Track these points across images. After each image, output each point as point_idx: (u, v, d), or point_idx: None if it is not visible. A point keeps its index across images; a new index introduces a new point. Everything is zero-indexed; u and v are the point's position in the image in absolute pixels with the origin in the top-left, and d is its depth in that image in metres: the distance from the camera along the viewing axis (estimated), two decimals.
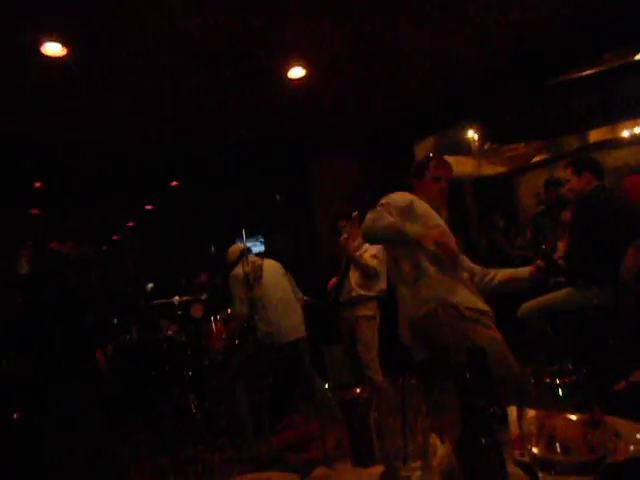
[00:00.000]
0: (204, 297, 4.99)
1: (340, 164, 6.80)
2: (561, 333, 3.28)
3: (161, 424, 4.24)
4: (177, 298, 4.76)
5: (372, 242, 2.96)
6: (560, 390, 0.66)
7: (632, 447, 0.93)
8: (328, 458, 0.96)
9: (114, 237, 11.11)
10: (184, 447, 3.92)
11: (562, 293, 3.34)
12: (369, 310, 4.02)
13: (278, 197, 8.59)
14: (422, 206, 2.44)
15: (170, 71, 4.16)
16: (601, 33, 4.33)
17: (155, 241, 10.05)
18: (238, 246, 4.20)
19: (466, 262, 2.57)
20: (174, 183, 8.10)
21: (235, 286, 3.94)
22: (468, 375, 0.72)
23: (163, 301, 5.17)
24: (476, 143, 8.20)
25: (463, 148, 8.35)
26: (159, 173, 7.20)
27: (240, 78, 4.47)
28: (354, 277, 4.05)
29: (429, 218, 2.41)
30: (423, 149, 6.74)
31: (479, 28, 4.21)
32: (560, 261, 3.00)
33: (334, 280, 4.21)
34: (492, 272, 2.54)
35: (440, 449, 0.95)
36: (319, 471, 0.90)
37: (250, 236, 9.01)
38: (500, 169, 9.32)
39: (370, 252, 4.03)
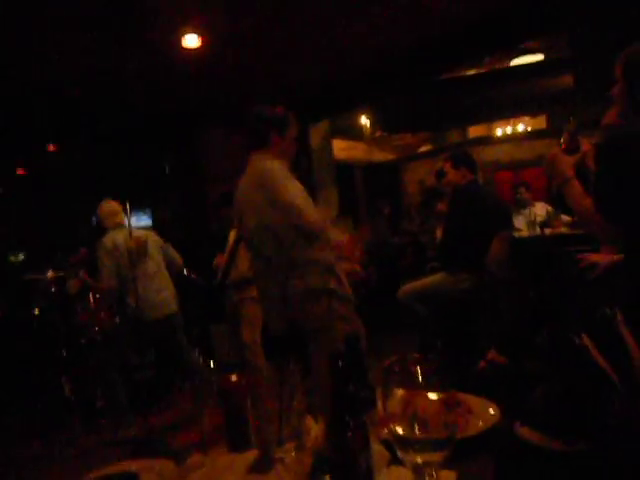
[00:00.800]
0: (82, 273, 4.67)
1: (232, 139, 6.67)
2: (434, 314, 3.54)
3: (32, 407, 3.95)
4: (51, 273, 4.41)
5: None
6: (421, 376, 0.72)
7: (481, 423, 1.04)
8: (204, 442, 0.96)
9: None
10: (57, 430, 3.71)
11: (436, 277, 3.61)
12: (255, 292, 4.04)
13: (167, 168, 8.23)
14: (286, 172, 2.28)
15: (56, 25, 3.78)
16: (485, 38, 4.66)
17: (28, 210, 9.17)
18: (113, 206, 3.96)
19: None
20: (51, 147, 7.43)
21: (105, 255, 3.75)
22: (340, 361, 0.76)
23: (35, 276, 4.76)
24: (368, 130, 8.48)
25: (356, 134, 8.59)
26: (34, 135, 6.56)
27: (131, 40, 4.19)
28: (244, 258, 4.03)
29: (298, 187, 2.24)
30: (317, 132, 6.84)
31: (380, 18, 4.33)
32: None
33: (221, 258, 4.14)
34: None
35: (314, 429, 0.99)
36: (194, 458, 0.91)
37: (135, 208, 8.56)
38: (389, 156, 9.75)
39: None
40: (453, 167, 3.47)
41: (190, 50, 4.46)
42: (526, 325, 1.72)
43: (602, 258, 1.94)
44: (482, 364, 1.68)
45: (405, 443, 0.72)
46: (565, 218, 4.09)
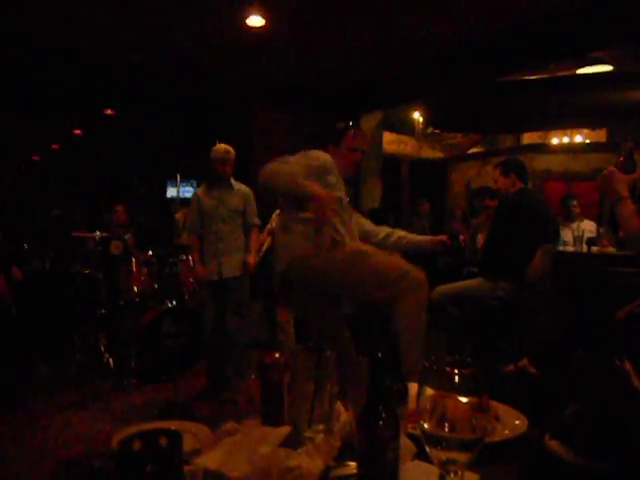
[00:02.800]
0: (127, 236, 4.83)
1: (285, 121, 6.72)
2: (467, 318, 3.52)
3: (67, 360, 4.14)
4: (98, 233, 4.58)
5: (268, 192, 2.55)
6: (456, 378, 0.75)
7: (507, 431, 1.06)
8: (239, 413, 1.01)
9: (33, 157, 10.41)
10: (89, 384, 3.87)
11: (473, 282, 3.57)
12: None
13: (217, 143, 8.36)
14: (335, 173, 2.40)
15: None
16: (552, 43, 4.52)
17: (82, 170, 9.53)
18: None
19: (367, 226, 2.72)
20: (108, 111, 7.66)
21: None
22: (379, 355, 0.79)
23: (82, 234, 4.96)
24: (420, 126, 8.38)
25: (407, 128, 8.51)
26: (93, 98, 6.78)
27: (197, 15, 4.27)
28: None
29: (337, 187, 2.36)
30: (368, 122, 6.81)
31: (443, 12, 4.26)
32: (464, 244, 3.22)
33: (262, 237, 4.22)
34: (386, 231, 2.71)
35: (343, 415, 1.03)
36: (229, 426, 0.96)
37: (184, 179, 8.76)
38: (438, 154, 9.62)
39: None
40: (503, 174, 3.41)
41: (254, 29, 4.52)
42: (563, 342, 1.70)
43: None
44: (511, 368, 1.68)
45: (434, 440, 0.75)
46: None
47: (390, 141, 8.34)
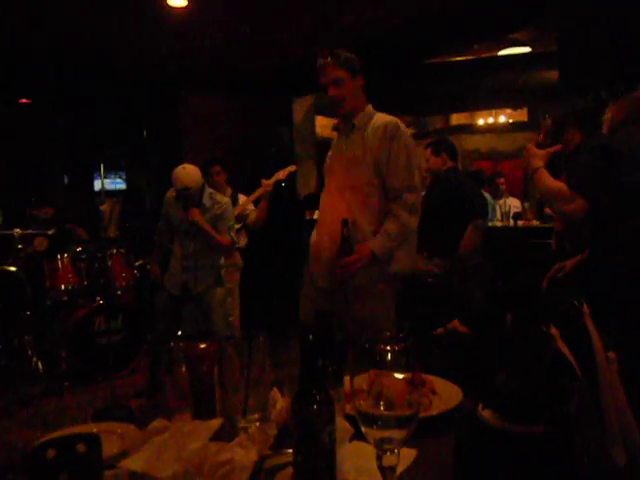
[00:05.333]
0: (51, 232, 4.56)
1: (215, 105, 6.54)
2: (401, 295, 3.58)
3: None
4: (18, 230, 4.29)
5: None
6: (389, 355, 0.73)
7: (444, 404, 1.07)
8: (169, 409, 0.96)
9: None
10: (16, 390, 3.65)
11: None
12: (239, 259, 3.97)
13: (145, 133, 8.03)
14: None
15: None
16: (475, 24, 4.64)
17: None
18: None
19: None
20: (24, 100, 7.15)
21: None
22: (311, 336, 0.76)
23: (1, 232, 4.64)
24: None
25: None
26: (6, 87, 6.30)
27: None
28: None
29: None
30: (301, 106, 6.75)
31: None
32: None
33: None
34: None
35: (279, 402, 1.00)
36: (157, 423, 0.90)
37: (111, 171, 8.38)
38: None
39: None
40: (434, 153, 3.50)
41: (175, 9, 4.33)
42: (493, 304, 1.78)
43: (570, 262, 2.02)
44: (441, 330, 1.74)
45: (369, 419, 0.73)
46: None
47: (324, 125, 8.30)
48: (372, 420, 0.72)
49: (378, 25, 4.87)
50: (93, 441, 0.68)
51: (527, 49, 6.22)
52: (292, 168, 3.98)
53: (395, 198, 2.06)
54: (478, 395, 0.78)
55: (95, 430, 0.90)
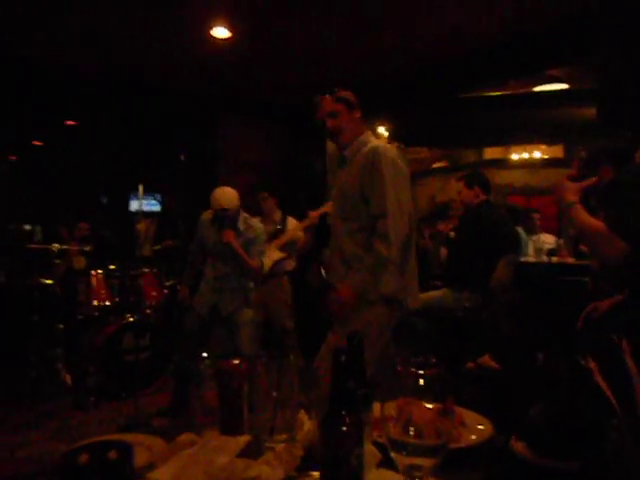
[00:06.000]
0: (88, 248, 4.69)
1: (253, 134, 6.70)
2: (432, 329, 3.53)
3: (21, 377, 3.96)
4: (56, 245, 4.42)
5: None
6: (422, 380, 0.73)
7: (473, 436, 1.04)
8: (195, 425, 0.97)
9: None
10: (45, 403, 3.72)
11: (438, 293, 3.60)
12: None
13: (183, 157, 8.25)
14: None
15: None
16: (511, 60, 4.66)
17: (40, 182, 9.23)
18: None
19: None
20: (70, 122, 7.47)
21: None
22: (343, 357, 0.76)
23: (40, 246, 4.79)
24: (385, 140, 8.47)
25: None
26: (54, 108, 6.59)
27: (161, 24, 4.22)
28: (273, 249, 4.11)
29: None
30: None
31: (405, 31, 4.35)
32: None
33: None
34: None
35: (307, 424, 1.00)
36: (185, 437, 0.91)
37: (147, 192, 8.61)
38: (404, 170, 9.71)
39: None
40: (467, 186, 3.48)
41: (219, 40, 4.50)
42: (524, 340, 1.73)
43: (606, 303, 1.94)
44: (471, 365, 1.70)
45: (399, 446, 0.72)
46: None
47: None
48: (402, 447, 0.72)
49: (414, 58, 4.95)
50: (125, 449, 0.69)
51: (564, 86, 6.19)
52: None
53: (372, 226, 2.07)
54: (510, 428, 0.77)
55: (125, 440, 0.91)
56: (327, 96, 2.23)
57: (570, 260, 3.80)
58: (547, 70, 5.53)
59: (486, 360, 1.61)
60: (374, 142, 2.22)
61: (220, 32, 4.39)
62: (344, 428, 0.73)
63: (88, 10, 3.95)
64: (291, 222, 4.30)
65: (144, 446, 0.91)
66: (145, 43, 4.61)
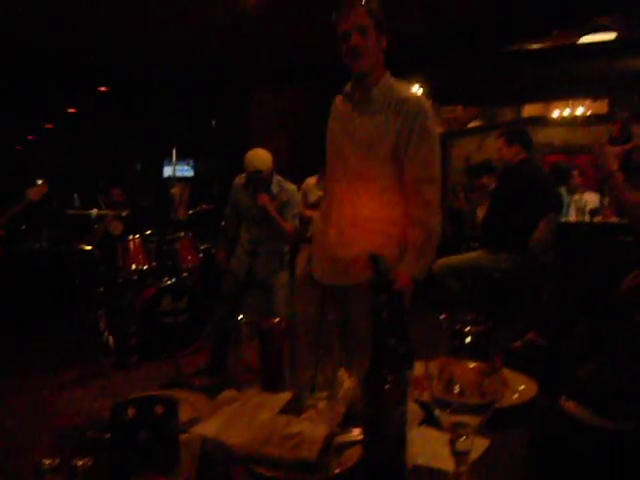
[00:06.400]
0: (125, 213, 4.78)
1: (282, 97, 6.61)
2: (469, 291, 3.49)
3: (67, 337, 4.13)
4: (95, 211, 4.52)
5: None
6: (469, 337, 0.70)
7: (515, 396, 1.02)
8: (236, 382, 0.98)
9: (29, 137, 10.29)
10: (89, 362, 3.86)
11: (474, 254, 3.54)
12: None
13: (214, 122, 8.24)
14: None
15: None
16: (557, 7, 4.40)
17: (75, 147, 9.41)
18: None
19: None
20: (103, 88, 7.53)
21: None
22: (384, 315, 0.74)
23: (79, 212, 4.90)
24: None
25: None
26: (87, 75, 6.64)
27: None
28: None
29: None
30: None
31: None
32: None
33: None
34: None
35: (347, 382, 0.99)
36: (227, 393, 0.92)
37: (180, 158, 8.67)
38: (438, 129, 9.46)
39: None
40: (507, 143, 3.35)
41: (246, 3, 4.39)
42: (569, 311, 1.66)
43: None
44: (518, 343, 1.65)
45: (443, 404, 0.71)
46: None
47: None
48: (446, 405, 0.70)
49: (450, 11, 4.72)
50: (171, 404, 0.70)
51: (612, 35, 5.82)
52: None
53: (412, 192, 1.76)
54: (558, 389, 0.74)
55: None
56: (359, 4, 1.76)
57: (614, 219, 3.65)
58: (597, 17, 5.20)
59: (532, 337, 1.56)
60: (403, 89, 1.84)
61: None
62: (386, 386, 0.72)
63: None
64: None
65: (188, 402, 0.93)
66: (175, 12, 4.55)
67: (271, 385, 0.91)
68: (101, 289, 4.37)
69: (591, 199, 4.54)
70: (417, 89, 8.13)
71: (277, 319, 0.93)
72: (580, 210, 4.08)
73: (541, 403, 0.93)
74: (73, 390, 3.42)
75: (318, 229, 1.94)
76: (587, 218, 3.88)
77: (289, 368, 0.95)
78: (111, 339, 4.19)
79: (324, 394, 0.88)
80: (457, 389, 0.72)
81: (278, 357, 0.92)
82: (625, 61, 6.18)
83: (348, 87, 1.87)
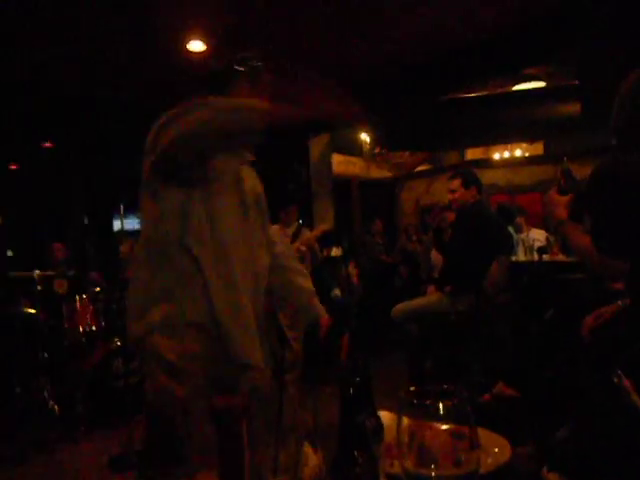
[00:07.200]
0: (71, 273, 4.57)
1: None
2: (427, 334, 3.48)
3: (6, 408, 3.82)
4: (38, 272, 4.30)
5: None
6: (441, 410, 0.66)
7: (489, 460, 0.97)
8: (191, 466, 0.89)
9: None
10: (32, 435, 3.58)
11: (432, 297, 3.55)
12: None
13: None
14: None
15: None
16: (489, 60, 4.66)
17: (18, 206, 9.03)
18: None
19: None
20: (46, 144, 7.34)
21: None
22: (351, 390, 0.69)
23: (21, 274, 4.66)
24: (367, 146, 8.47)
25: (355, 149, 8.58)
26: (30, 131, 6.47)
27: (136, 42, 4.15)
28: None
29: None
30: (317, 145, 6.81)
31: (385, 36, 4.33)
32: None
33: None
34: None
35: (312, 458, 0.92)
36: None
37: (129, 212, 8.46)
38: (386, 174, 9.73)
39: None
40: (463, 185, 3.40)
41: (194, 53, 4.43)
42: (532, 356, 1.64)
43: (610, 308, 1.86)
44: (487, 397, 1.60)
45: None
46: None
47: (339, 162, 8.37)
48: None
49: (395, 61, 4.92)
50: None
51: (542, 84, 6.23)
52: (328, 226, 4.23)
53: None
54: (537, 452, 0.70)
55: None
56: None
57: (561, 257, 3.76)
58: (524, 69, 5.56)
59: (499, 389, 1.53)
60: None
61: (195, 45, 4.33)
62: (357, 470, 0.66)
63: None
64: (305, 234, 4.20)
65: None
66: (124, 61, 4.53)
67: (229, 474, 0.83)
68: (45, 354, 4.10)
69: (538, 236, 4.69)
70: (365, 137, 8.39)
71: (235, 396, 0.86)
72: (528, 248, 4.20)
73: (518, 467, 0.88)
74: (14, 467, 3.16)
75: None
76: (536, 256, 3.98)
77: (248, 447, 0.87)
78: (56, 408, 3.92)
79: (287, 477, 0.81)
80: (428, 459, 0.67)
81: (237, 440, 0.84)
82: (555, 106, 6.58)
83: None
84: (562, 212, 1.69)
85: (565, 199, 1.72)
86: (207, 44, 4.31)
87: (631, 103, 1.46)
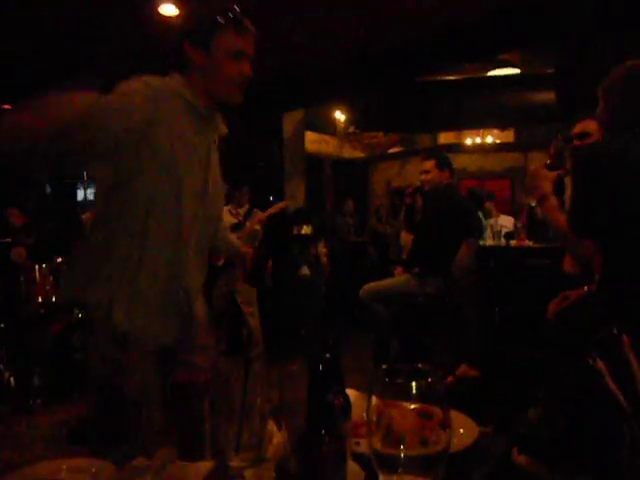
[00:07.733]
0: (30, 241, 4.39)
1: None
2: (395, 315, 3.49)
3: None
4: None
5: None
6: (413, 389, 0.64)
7: (455, 440, 0.96)
8: (149, 444, 0.85)
9: None
10: None
11: (400, 279, 3.56)
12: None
13: None
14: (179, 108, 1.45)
15: None
16: (465, 44, 4.64)
17: None
18: None
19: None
20: (6, 106, 7.00)
21: None
22: (321, 365, 0.66)
23: None
24: (342, 125, 8.40)
25: (329, 127, 8.50)
26: None
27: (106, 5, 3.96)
28: None
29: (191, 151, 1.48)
30: (291, 121, 6.70)
31: (364, 15, 4.25)
32: None
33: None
34: None
35: (276, 436, 0.89)
36: (137, 462, 0.79)
37: (93, 180, 8.20)
38: (359, 154, 9.71)
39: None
40: (437, 167, 3.40)
41: (166, 17, 4.26)
42: (496, 338, 1.66)
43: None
44: (451, 378, 1.61)
45: (389, 462, 0.63)
46: None
47: (312, 140, 8.29)
48: (393, 463, 0.62)
49: (371, 43, 4.86)
50: None
51: (517, 70, 6.27)
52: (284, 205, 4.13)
53: None
54: (509, 436, 0.68)
55: (64, 467, 0.78)
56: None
57: (528, 243, 3.83)
58: (499, 54, 5.57)
59: (463, 370, 1.54)
60: None
61: (168, 9, 4.15)
62: (324, 449, 0.63)
63: None
64: (257, 214, 4.16)
65: (90, 473, 0.79)
66: (92, 23, 4.33)
67: (190, 451, 0.79)
68: (1, 325, 3.96)
69: (506, 223, 4.76)
70: (340, 116, 8.32)
71: (197, 373, 0.82)
72: (496, 234, 4.26)
73: (484, 448, 0.88)
74: None
75: None
76: (503, 242, 4.04)
77: (209, 424, 0.83)
78: (12, 380, 3.80)
79: (251, 454, 0.78)
80: (395, 438, 0.65)
81: (198, 418, 0.80)
82: (528, 94, 6.64)
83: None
84: (547, 186, 1.75)
85: (552, 174, 1.78)
86: (179, 7, 4.14)
87: (618, 96, 1.52)
